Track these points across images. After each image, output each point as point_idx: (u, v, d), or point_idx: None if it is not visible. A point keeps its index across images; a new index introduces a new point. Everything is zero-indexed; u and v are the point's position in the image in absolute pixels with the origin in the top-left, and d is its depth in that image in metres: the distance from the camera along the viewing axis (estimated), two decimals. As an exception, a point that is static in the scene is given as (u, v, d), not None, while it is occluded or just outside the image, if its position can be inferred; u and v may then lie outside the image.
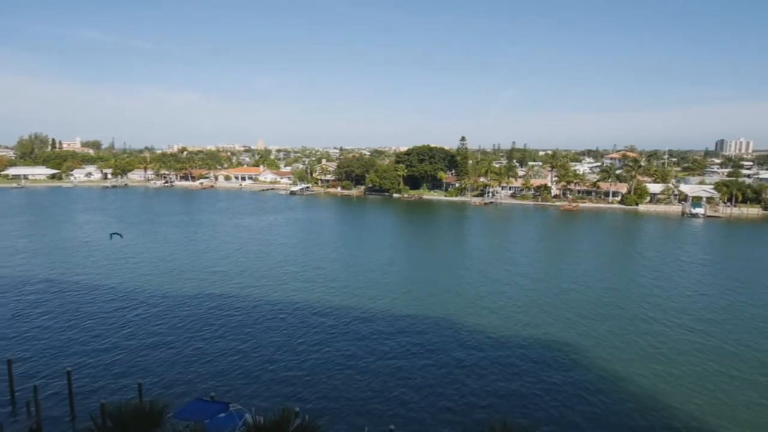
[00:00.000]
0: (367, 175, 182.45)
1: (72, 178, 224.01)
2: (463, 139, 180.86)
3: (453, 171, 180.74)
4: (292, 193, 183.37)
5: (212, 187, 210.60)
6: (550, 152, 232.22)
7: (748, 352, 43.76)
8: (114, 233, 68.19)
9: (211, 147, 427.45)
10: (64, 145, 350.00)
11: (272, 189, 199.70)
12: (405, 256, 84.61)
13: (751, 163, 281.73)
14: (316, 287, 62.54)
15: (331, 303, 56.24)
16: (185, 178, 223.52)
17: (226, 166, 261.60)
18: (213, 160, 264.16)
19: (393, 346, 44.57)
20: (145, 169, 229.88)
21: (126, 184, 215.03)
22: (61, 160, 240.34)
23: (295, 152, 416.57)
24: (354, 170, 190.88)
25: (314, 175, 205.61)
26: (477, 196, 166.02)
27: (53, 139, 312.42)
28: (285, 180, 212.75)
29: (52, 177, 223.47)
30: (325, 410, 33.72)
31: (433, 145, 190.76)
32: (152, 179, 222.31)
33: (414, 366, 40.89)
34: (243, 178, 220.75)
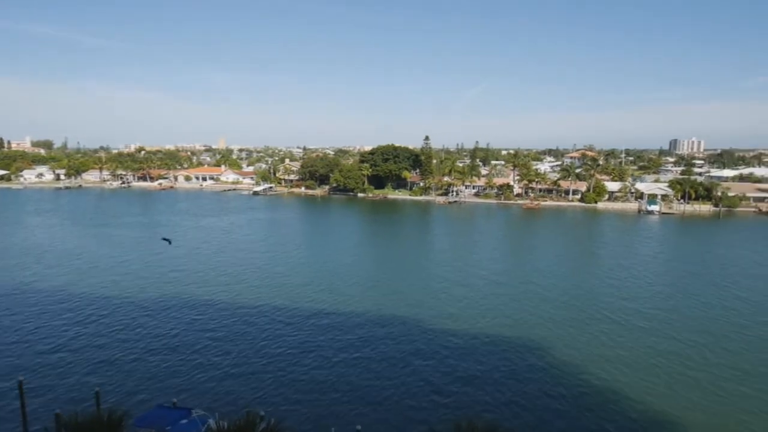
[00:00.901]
0: (331, 174, 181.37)
1: (22, 179, 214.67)
2: (427, 138, 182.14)
3: (417, 170, 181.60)
4: (255, 193, 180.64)
5: (172, 187, 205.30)
6: (512, 152, 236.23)
7: (696, 345, 45.37)
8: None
9: (171, 146, 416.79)
10: (13, 145, 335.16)
11: (234, 189, 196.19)
12: (369, 255, 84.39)
13: (702, 162, 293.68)
14: (278, 288, 61.59)
15: (294, 304, 55.43)
16: (143, 178, 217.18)
17: (186, 166, 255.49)
18: (172, 159, 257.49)
19: (357, 346, 44.26)
20: (101, 169, 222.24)
21: (80, 185, 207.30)
22: (10, 161, 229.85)
23: (258, 152, 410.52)
24: (318, 170, 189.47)
25: (277, 175, 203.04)
26: (441, 195, 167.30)
27: (0, 139, 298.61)
28: (247, 180, 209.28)
29: (0, 178, 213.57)
30: (290, 412, 33.15)
31: (397, 144, 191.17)
32: (108, 180, 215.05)
33: (378, 365, 40.67)
34: (204, 179, 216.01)
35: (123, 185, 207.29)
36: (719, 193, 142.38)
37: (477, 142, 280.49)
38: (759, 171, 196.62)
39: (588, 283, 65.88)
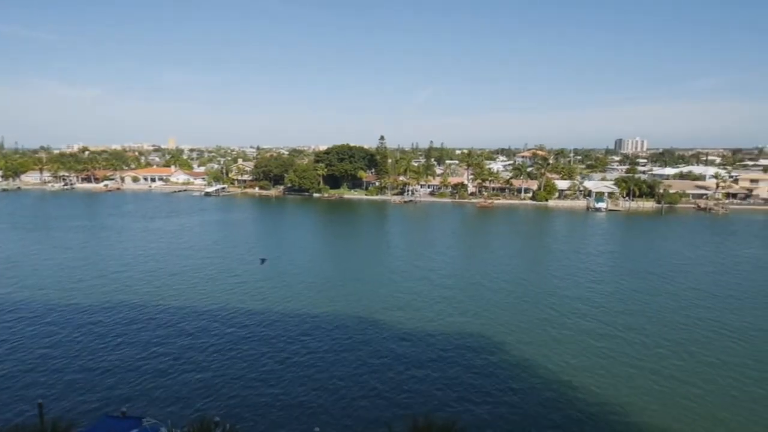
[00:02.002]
0: (285, 174, 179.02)
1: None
2: (382, 138, 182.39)
3: (373, 170, 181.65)
4: (207, 194, 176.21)
5: (118, 189, 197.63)
6: (466, 151, 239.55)
7: (637, 337, 47.23)
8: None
9: (117, 146, 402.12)
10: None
11: (185, 190, 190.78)
12: (324, 256, 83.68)
13: (645, 161, 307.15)
14: (229, 291, 60.21)
15: (246, 307, 54.36)
16: (87, 179, 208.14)
17: (133, 166, 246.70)
18: (119, 160, 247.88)
19: (310, 348, 43.76)
20: (41, 170, 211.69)
21: (19, 188, 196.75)
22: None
23: (210, 152, 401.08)
24: (272, 170, 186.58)
25: (230, 175, 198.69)
26: (397, 194, 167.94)
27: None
28: (199, 181, 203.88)
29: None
30: (245, 417, 32.37)
31: (352, 144, 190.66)
32: (50, 181, 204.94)
33: (333, 365, 40.34)
34: (153, 179, 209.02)
35: (66, 187, 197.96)
36: (661, 191, 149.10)
37: (431, 141, 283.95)
38: (697, 169, 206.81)
39: (538, 279, 67.52)
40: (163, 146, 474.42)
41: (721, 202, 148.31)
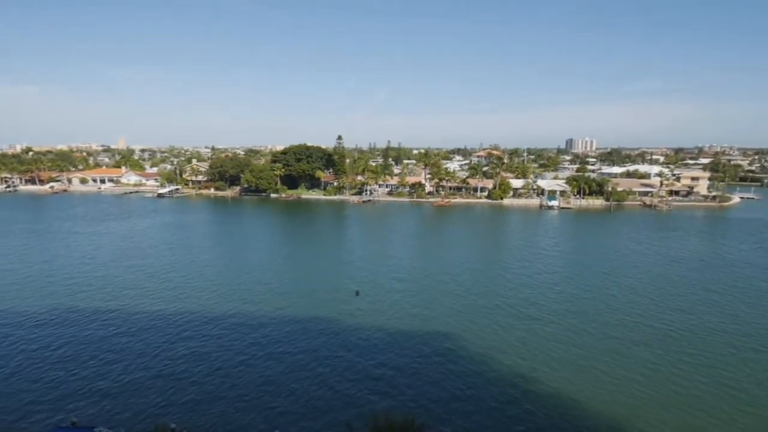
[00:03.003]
0: (242, 175, 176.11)
1: None
2: (339, 138, 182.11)
3: (331, 170, 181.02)
4: (160, 195, 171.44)
5: (65, 191, 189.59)
6: (423, 151, 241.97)
7: (579, 329, 49.24)
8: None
9: (63, 147, 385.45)
10: None
11: (137, 192, 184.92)
12: (281, 257, 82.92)
13: (595, 160, 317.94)
14: (183, 294, 59.16)
15: (200, 310, 53.58)
16: (32, 181, 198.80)
17: (81, 167, 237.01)
18: (65, 161, 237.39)
19: (267, 349, 43.58)
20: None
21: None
22: None
23: (162, 152, 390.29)
24: (228, 170, 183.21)
25: (184, 176, 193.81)
26: (355, 194, 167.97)
27: None
28: (151, 182, 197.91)
29: None
30: (201, 422, 31.97)
31: (310, 144, 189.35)
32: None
33: (289, 367, 40.32)
34: (102, 181, 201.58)
35: (8, 189, 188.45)
36: (610, 189, 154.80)
37: (389, 141, 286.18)
38: (643, 168, 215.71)
39: (492, 277, 69.18)
40: (112, 146, 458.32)
41: (665, 199, 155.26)
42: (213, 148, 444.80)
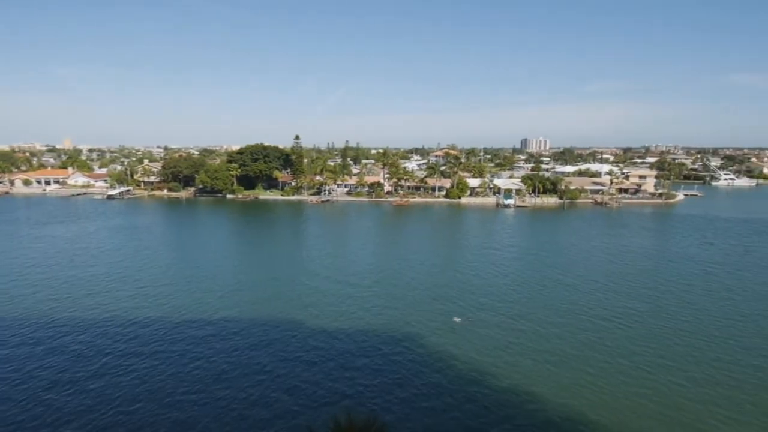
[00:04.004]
0: (196, 175, 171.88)
1: None
2: (297, 137, 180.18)
3: (289, 170, 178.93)
4: (110, 197, 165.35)
5: (7, 193, 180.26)
6: (381, 150, 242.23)
7: (538, 327, 50.38)
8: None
9: (4, 147, 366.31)
10: None
11: (85, 194, 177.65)
12: (237, 259, 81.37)
13: (549, 159, 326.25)
14: (129, 300, 57.33)
15: (149, 315, 51.99)
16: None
17: (24, 168, 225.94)
18: (7, 161, 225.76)
19: (223, 352, 42.72)
20: None
21: None
22: None
23: (112, 152, 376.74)
24: (182, 170, 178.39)
25: (136, 176, 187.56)
26: (314, 194, 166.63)
27: None
28: (100, 183, 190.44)
29: None
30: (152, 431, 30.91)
31: (266, 143, 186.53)
32: None
33: (247, 369, 39.65)
34: (47, 182, 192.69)
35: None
36: (563, 187, 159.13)
37: (347, 141, 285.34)
38: (594, 167, 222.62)
39: (449, 274, 69.89)
40: (58, 146, 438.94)
41: (614, 197, 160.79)
42: (166, 148, 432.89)
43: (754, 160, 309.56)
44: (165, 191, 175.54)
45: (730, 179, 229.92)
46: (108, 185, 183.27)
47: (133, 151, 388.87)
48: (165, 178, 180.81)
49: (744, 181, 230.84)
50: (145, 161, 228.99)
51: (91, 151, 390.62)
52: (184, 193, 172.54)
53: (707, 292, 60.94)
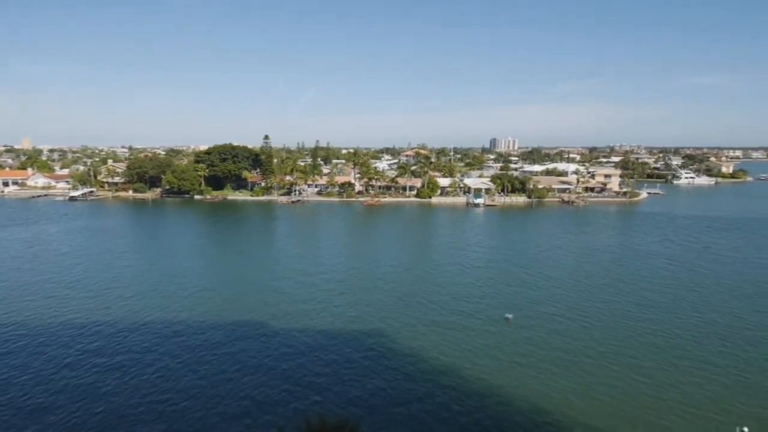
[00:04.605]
0: (163, 176, 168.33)
1: None
2: (266, 137, 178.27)
3: (258, 170, 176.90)
4: (72, 198, 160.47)
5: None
6: (352, 150, 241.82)
7: (505, 326, 51.08)
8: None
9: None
10: None
11: (46, 195, 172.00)
12: (205, 261, 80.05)
13: (517, 159, 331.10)
14: (94, 303, 55.87)
15: (111, 319, 50.78)
16: None
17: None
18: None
19: (188, 359, 41.95)
20: None
21: None
22: None
23: (74, 152, 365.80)
24: (148, 171, 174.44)
25: (99, 177, 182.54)
26: (284, 195, 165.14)
27: None
28: (62, 184, 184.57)
29: None
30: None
31: (235, 143, 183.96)
32: None
33: (214, 370, 39.05)
34: (5, 183, 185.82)
35: None
36: (531, 186, 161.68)
37: (317, 141, 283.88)
38: (561, 166, 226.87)
39: (420, 275, 70.30)
40: (16, 146, 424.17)
41: (581, 195, 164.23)
42: (131, 148, 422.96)
43: (713, 159, 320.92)
44: (130, 192, 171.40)
45: (691, 178, 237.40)
46: (70, 186, 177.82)
47: (97, 151, 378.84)
48: (130, 179, 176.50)
49: (704, 180, 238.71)
50: (109, 161, 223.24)
51: (52, 151, 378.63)
52: (150, 194, 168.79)
53: (667, 288, 62.71)
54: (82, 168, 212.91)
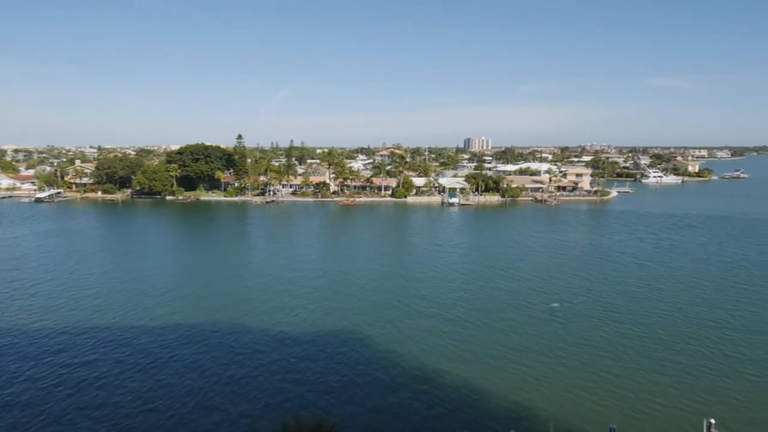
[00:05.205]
0: (133, 176, 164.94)
1: None
2: (240, 137, 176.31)
3: (231, 170, 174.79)
4: (39, 200, 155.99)
5: None
6: (327, 150, 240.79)
7: (478, 324, 51.61)
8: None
9: None
10: None
11: (10, 197, 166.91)
12: (174, 263, 78.67)
13: (491, 158, 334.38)
14: (59, 306, 54.49)
15: (77, 323, 49.64)
16: None
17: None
18: None
19: (156, 362, 41.21)
20: None
21: None
22: None
23: (40, 152, 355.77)
24: (117, 171, 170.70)
25: (67, 178, 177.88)
26: (258, 195, 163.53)
27: None
28: (28, 185, 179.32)
29: None
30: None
31: (208, 143, 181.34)
32: None
33: (188, 371, 38.51)
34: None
35: None
36: (505, 186, 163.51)
37: (292, 141, 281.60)
38: (534, 165, 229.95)
39: (394, 274, 70.43)
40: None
41: (553, 194, 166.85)
42: (99, 148, 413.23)
43: (679, 158, 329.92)
44: (99, 193, 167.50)
45: (659, 177, 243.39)
46: (36, 187, 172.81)
47: (64, 152, 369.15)
48: (99, 180, 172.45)
49: (671, 179, 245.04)
50: (77, 162, 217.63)
51: (16, 151, 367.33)
52: (120, 195, 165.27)
53: (634, 286, 64.12)
54: (48, 168, 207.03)
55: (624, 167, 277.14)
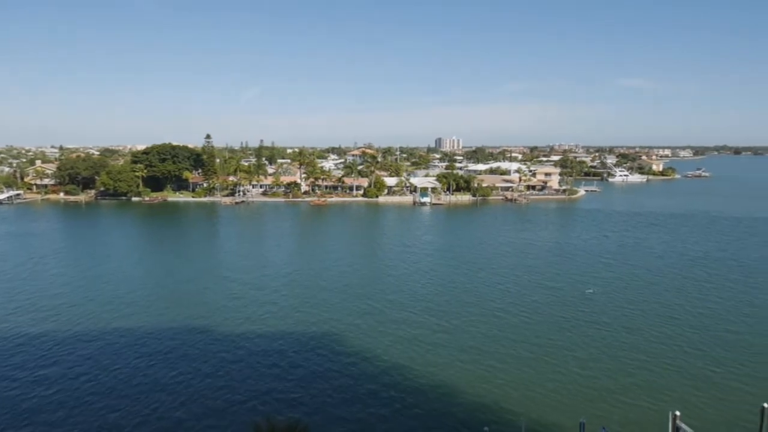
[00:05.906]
0: (97, 177, 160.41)
1: None
2: (208, 137, 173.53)
3: (200, 170, 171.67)
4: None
5: None
6: (297, 150, 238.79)
7: (449, 327, 51.73)
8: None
9: None
10: None
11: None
12: (141, 266, 76.59)
13: (462, 158, 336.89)
14: (13, 312, 52.49)
15: (38, 329, 47.87)
16: None
17: None
18: None
19: (125, 367, 40.01)
20: None
21: None
22: None
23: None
24: (80, 172, 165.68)
25: (26, 179, 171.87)
26: (227, 195, 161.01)
27: None
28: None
29: None
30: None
31: (175, 143, 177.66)
32: None
33: (158, 375, 37.48)
34: None
35: None
36: (476, 185, 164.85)
37: (262, 140, 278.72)
38: (504, 165, 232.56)
39: (365, 275, 70.09)
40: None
41: (523, 193, 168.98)
42: (61, 148, 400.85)
43: (644, 158, 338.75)
44: (61, 195, 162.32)
45: (625, 176, 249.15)
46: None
47: (23, 152, 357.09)
48: (61, 181, 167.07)
49: (636, 177, 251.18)
50: (38, 162, 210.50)
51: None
52: (84, 197, 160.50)
53: (602, 280, 65.24)
54: (7, 170, 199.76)
55: (591, 166, 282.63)
